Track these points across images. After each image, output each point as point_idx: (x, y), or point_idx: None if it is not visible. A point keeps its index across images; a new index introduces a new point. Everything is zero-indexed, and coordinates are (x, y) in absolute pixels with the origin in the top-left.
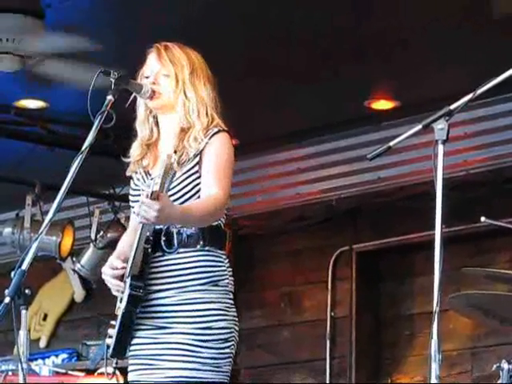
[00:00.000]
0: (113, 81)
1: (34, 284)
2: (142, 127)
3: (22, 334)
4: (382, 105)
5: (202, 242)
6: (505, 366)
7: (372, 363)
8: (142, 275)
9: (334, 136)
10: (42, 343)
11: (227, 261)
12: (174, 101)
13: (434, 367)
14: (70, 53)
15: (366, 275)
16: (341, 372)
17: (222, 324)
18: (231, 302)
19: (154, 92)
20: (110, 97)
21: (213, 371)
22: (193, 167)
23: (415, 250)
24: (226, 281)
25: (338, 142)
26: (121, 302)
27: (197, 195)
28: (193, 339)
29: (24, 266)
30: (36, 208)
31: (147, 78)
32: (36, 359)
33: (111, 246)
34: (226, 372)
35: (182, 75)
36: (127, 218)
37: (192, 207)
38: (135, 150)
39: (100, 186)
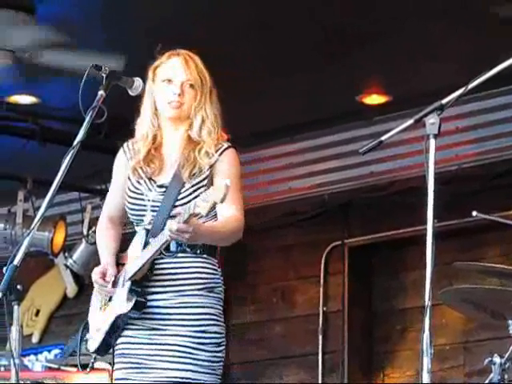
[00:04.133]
0: (104, 76)
1: (26, 280)
2: (147, 129)
3: (15, 329)
4: (374, 99)
5: (199, 249)
6: (496, 360)
7: (364, 358)
8: (142, 281)
9: (326, 131)
10: (35, 339)
11: (220, 269)
12: (193, 113)
13: (426, 361)
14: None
15: (358, 270)
16: (333, 367)
17: (215, 329)
18: (222, 309)
19: (179, 103)
20: (101, 92)
21: (208, 373)
22: (202, 180)
23: (407, 244)
24: (220, 288)
25: (330, 136)
26: (109, 300)
27: None
28: (190, 341)
29: (16, 262)
30: (28, 203)
31: (169, 81)
32: (28, 355)
33: None
34: (219, 375)
35: (205, 89)
36: None
37: (218, 227)
38: (141, 151)
39: (92, 182)
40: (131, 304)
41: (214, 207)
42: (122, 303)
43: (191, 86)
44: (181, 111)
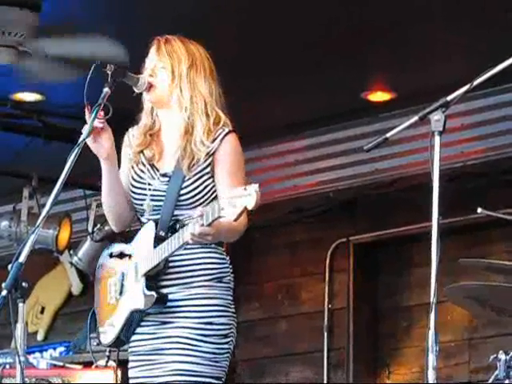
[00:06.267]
0: (109, 73)
1: (31, 277)
2: (145, 117)
3: (20, 327)
4: (379, 96)
5: None
6: (502, 357)
7: (370, 355)
8: (156, 276)
9: (331, 128)
10: (40, 336)
11: (228, 258)
12: (170, 95)
13: (431, 358)
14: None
15: (364, 267)
16: (338, 364)
17: (222, 320)
18: (231, 298)
19: (150, 84)
20: (106, 89)
21: (211, 365)
22: (204, 168)
23: (412, 241)
24: (229, 277)
25: (335, 133)
26: (120, 294)
27: (208, 195)
28: (193, 333)
29: (21, 259)
30: (33, 201)
31: (146, 70)
32: (33, 352)
33: (108, 238)
34: (224, 367)
35: (179, 69)
36: None
37: (235, 224)
38: (137, 137)
39: (97, 179)
40: (152, 299)
41: (242, 212)
42: (137, 298)
43: (163, 67)
44: (155, 94)
